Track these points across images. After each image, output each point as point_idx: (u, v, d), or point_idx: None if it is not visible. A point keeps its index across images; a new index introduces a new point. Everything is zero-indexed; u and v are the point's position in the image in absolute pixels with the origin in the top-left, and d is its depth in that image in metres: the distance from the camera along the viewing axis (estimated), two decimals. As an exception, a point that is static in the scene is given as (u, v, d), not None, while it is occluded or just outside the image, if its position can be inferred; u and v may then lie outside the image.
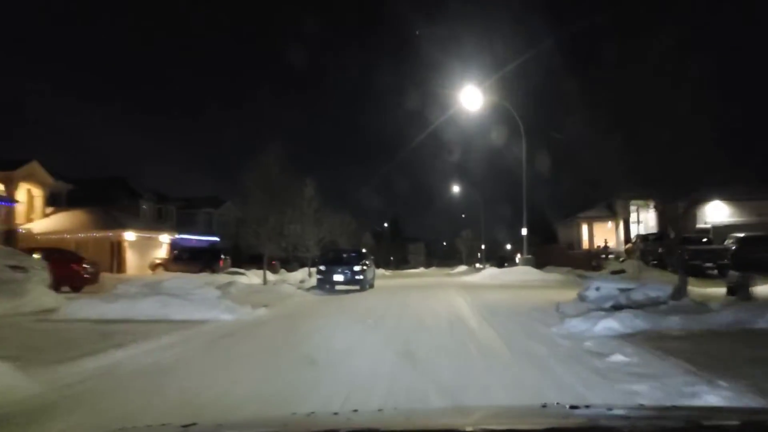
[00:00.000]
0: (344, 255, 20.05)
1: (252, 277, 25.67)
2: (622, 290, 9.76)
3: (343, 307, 13.24)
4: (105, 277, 20.76)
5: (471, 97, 26.03)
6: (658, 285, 9.69)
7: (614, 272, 24.32)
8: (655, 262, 24.79)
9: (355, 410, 2.05)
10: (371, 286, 20.30)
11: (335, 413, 1.80)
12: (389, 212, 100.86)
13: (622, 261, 26.08)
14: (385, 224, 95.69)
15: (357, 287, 18.57)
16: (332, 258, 19.79)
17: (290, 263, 33.67)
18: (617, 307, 8.95)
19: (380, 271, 51.69)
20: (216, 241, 40.35)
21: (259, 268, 30.89)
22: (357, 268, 18.47)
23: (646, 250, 26.55)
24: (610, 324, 7.33)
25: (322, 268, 18.96)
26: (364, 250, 21.15)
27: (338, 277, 18.38)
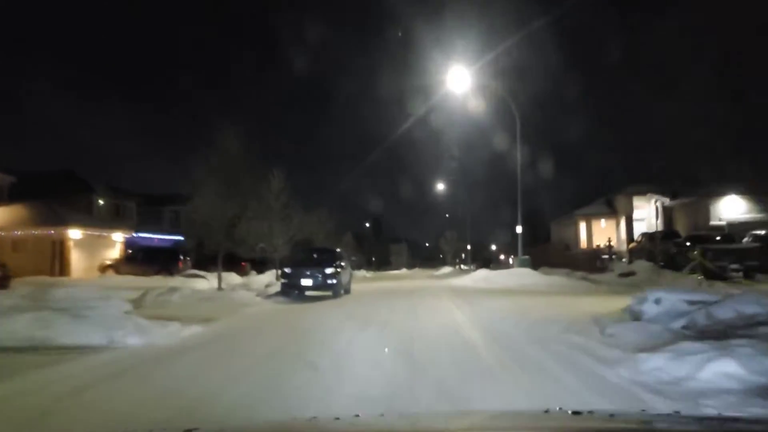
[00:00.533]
0: (315, 255, 16.96)
1: (213, 281, 22.58)
2: (693, 303, 6.85)
3: (303, 324, 10.16)
4: (26, 281, 17.44)
5: (458, 79, 23.18)
6: (754, 297, 6.76)
7: (623, 274, 21.61)
8: (663, 263, 22.16)
9: (357, 415, 2.04)
10: (347, 291, 17.25)
11: (337, 418, 1.85)
12: (372, 212, 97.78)
13: (630, 263, 23.33)
14: (367, 224, 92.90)
15: (329, 293, 15.51)
16: (301, 258, 16.69)
17: (265, 265, 30.53)
18: (698, 330, 6.03)
19: (361, 273, 48.60)
20: (181, 240, 36.85)
21: (226, 270, 28.01)
22: (329, 270, 15.40)
23: (654, 249, 23.90)
24: (728, 367, 4.37)
25: (287, 270, 15.85)
26: (338, 250, 18.08)
27: (306, 282, 15.30)
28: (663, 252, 23.19)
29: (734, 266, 18.37)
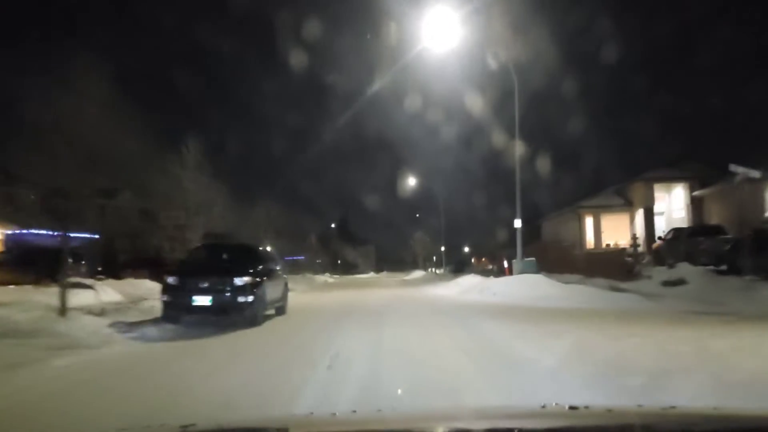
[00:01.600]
0: (224, 255, 10.56)
1: (109, 293, 16.14)
2: None
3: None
4: None
5: (440, 29, 17.16)
6: None
7: (668, 283, 15.92)
8: (713, 266, 16.61)
9: (354, 411, 2.17)
10: (279, 311, 10.96)
11: (333, 414, 1.99)
12: (338, 212, 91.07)
13: (671, 267, 17.59)
14: (333, 225, 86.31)
15: (241, 318, 9.18)
16: (198, 262, 10.27)
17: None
18: None
19: (324, 278, 42.14)
20: (94, 238, 29.83)
21: (149, 276, 21.73)
22: (240, 280, 9.04)
23: (695, 249, 18.35)
24: None
25: (171, 281, 9.38)
26: (264, 248, 11.71)
27: (202, 300, 8.95)
28: (708, 252, 17.72)
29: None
